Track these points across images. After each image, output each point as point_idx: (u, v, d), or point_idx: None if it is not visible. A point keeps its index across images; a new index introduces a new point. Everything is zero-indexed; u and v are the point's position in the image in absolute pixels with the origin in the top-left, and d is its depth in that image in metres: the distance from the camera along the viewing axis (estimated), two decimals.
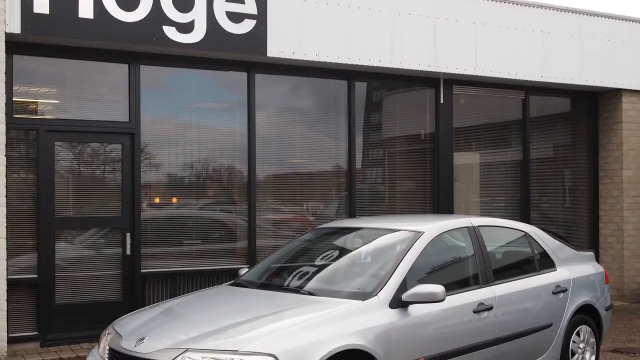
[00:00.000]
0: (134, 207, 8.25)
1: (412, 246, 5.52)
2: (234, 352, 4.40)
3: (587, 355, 6.86)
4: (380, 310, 5.02)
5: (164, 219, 8.71)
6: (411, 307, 5.17)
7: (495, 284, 5.98)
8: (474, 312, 5.63)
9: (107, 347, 5.03)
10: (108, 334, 5.24)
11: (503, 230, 6.65)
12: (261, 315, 4.99)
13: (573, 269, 6.95)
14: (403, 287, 5.19)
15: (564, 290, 6.63)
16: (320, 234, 6.76)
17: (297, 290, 5.50)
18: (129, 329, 5.12)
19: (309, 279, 5.67)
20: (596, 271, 7.24)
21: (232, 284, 6.16)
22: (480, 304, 5.70)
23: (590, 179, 11.85)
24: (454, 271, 6.08)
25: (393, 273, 5.26)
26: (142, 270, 8.32)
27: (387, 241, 5.89)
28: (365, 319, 4.89)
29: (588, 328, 6.88)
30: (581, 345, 6.77)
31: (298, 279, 5.72)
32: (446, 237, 6.00)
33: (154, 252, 8.48)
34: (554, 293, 6.53)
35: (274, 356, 4.38)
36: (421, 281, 5.36)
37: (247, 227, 8.93)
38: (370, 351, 4.76)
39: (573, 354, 6.67)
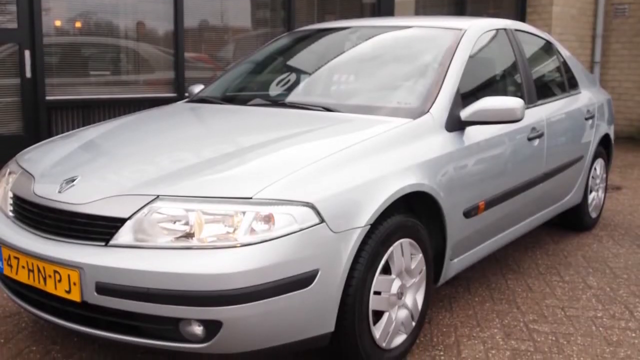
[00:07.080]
0: (33, 18, 5.97)
1: (457, 47, 3.64)
2: (246, 200, 2.47)
3: (600, 192, 5.58)
4: (437, 133, 3.23)
5: (72, 37, 6.44)
6: (466, 132, 3.41)
7: (539, 105, 4.35)
8: (528, 139, 4.00)
9: (11, 194, 3.05)
10: (9, 173, 3.22)
11: (530, 37, 4.76)
12: (266, 141, 2.97)
13: (592, 91, 5.48)
14: (458, 101, 3.40)
15: (592, 117, 5.16)
16: (306, 35, 4.54)
17: (307, 106, 3.49)
18: (42, 166, 3.09)
19: (321, 92, 3.72)
20: (606, 96, 5.80)
21: (190, 102, 4.15)
22: (533, 129, 4.05)
23: (517, 16, 10.32)
24: (501, 85, 4.26)
25: (443, 81, 3.41)
26: (47, 98, 6.15)
27: (417, 42, 3.93)
28: (420, 147, 3.07)
29: (602, 162, 5.53)
30: (597, 181, 5.47)
31: (303, 93, 3.76)
32: (487, 41, 4.07)
33: (62, 76, 6.28)
34: (585, 119, 5.05)
35: (312, 206, 2.52)
36: (465, 95, 3.56)
37: (173, 59, 6.84)
38: (433, 193, 3.03)
39: (590, 191, 5.35)
